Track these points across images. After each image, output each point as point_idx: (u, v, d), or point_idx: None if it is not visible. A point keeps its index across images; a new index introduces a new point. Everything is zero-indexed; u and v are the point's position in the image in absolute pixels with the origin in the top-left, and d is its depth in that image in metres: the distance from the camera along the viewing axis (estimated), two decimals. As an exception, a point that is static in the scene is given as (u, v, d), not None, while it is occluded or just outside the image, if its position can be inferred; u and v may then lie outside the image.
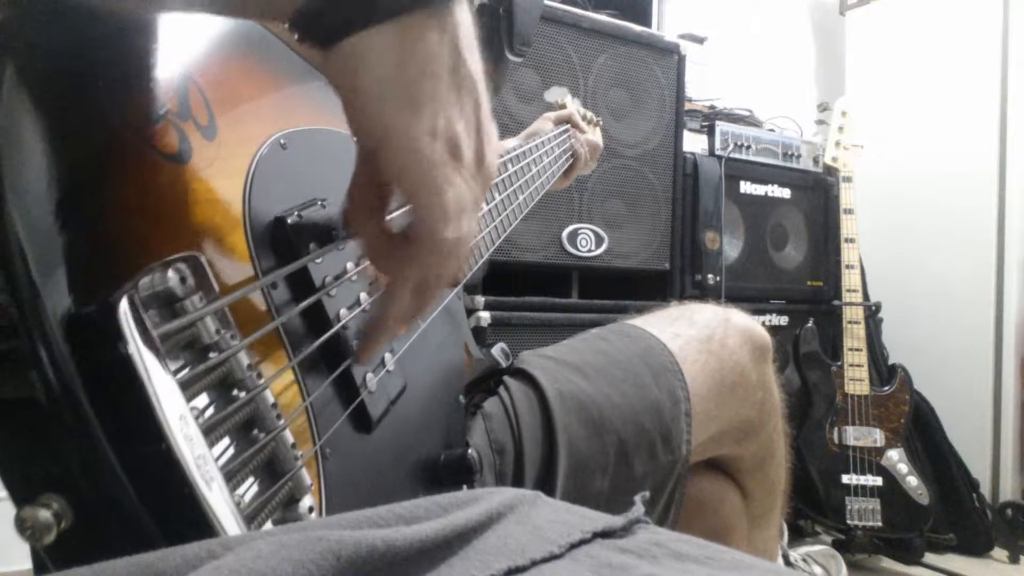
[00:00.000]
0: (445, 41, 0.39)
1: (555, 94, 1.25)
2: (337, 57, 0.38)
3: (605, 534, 0.33)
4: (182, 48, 0.39)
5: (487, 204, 0.76)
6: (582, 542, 0.32)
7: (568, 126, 1.13)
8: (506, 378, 0.72)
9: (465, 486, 0.57)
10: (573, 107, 1.20)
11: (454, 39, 0.40)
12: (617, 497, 0.70)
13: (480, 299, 1.51)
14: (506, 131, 1.51)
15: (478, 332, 1.49)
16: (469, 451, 0.57)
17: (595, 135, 1.21)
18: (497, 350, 0.76)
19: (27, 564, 0.63)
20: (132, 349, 0.29)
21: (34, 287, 0.28)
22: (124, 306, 0.30)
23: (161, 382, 0.30)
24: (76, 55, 0.32)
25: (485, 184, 0.44)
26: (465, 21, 0.40)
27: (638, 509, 0.36)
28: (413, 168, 0.39)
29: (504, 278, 1.56)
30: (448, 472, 0.57)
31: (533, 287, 1.63)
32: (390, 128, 0.39)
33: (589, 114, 1.23)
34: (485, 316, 1.50)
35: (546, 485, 0.66)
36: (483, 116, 0.43)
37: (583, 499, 0.67)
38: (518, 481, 0.65)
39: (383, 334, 0.46)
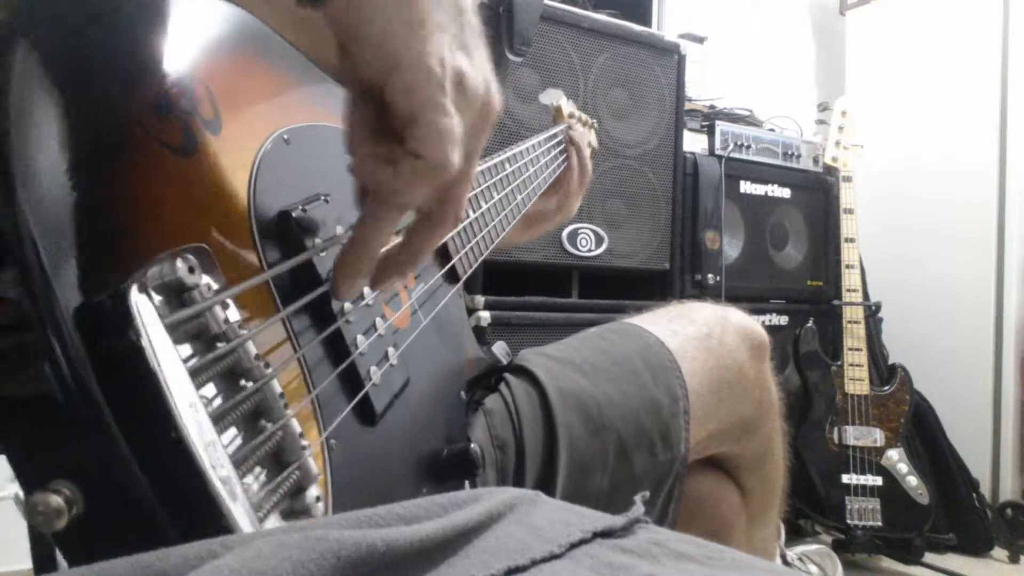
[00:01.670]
0: None
1: (550, 96, 1.25)
2: (339, 7, 0.39)
3: (605, 534, 0.34)
4: (188, 44, 0.40)
5: (485, 203, 0.76)
6: (582, 542, 0.32)
7: (563, 127, 1.12)
8: (507, 375, 0.73)
9: (467, 480, 0.57)
10: (568, 109, 1.20)
11: None
12: (617, 495, 0.71)
13: (480, 299, 1.51)
14: (506, 131, 1.51)
15: (478, 332, 1.49)
16: (472, 445, 0.57)
17: (591, 136, 1.21)
18: (498, 348, 0.76)
19: (27, 564, 0.63)
20: (143, 338, 0.30)
21: (45, 278, 0.29)
22: (135, 294, 0.30)
23: (171, 370, 0.30)
24: (84, 49, 0.33)
25: (490, 112, 0.45)
26: None
27: (638, 509, 0.36)
28: (422, 87, 0.40)
29: (504, 278, 1.56)
30: (451, 466, 0.57)
31: (533, 287, 1.63)
32: (400, 53, 0.40)
33: (584, 116, 1.22)
34: (485, 316, 1.50)
35: (547, 482, 0.66)
36: (482, 45, 0.44)
37: (583, 497, 0.68)
38: (519, 477, 0.66)
39: (362, 255, 0.44)
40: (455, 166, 0.42)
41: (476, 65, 0.43)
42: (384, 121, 0.42)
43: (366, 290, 0.50)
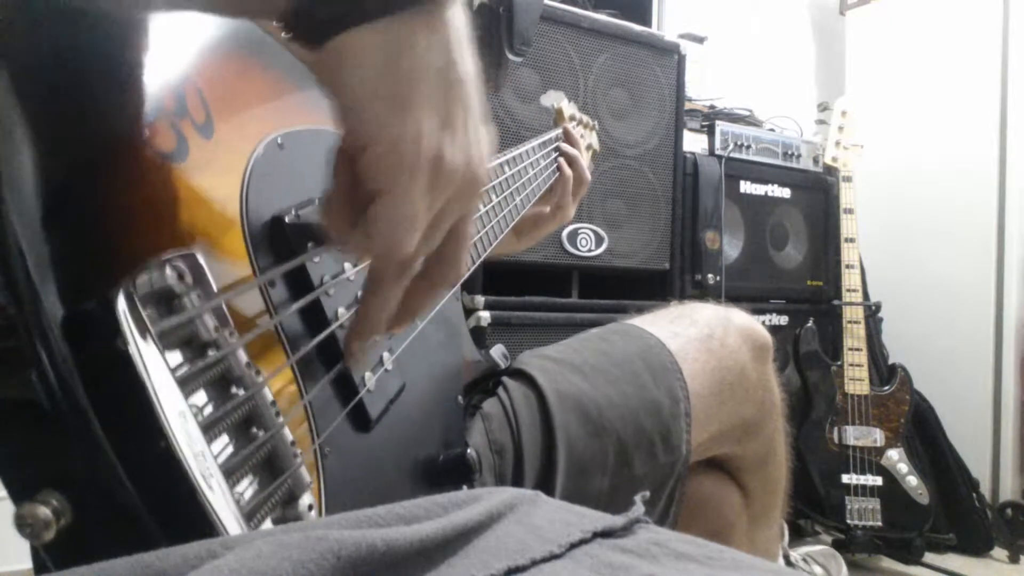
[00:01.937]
0: (435, 42, 0.39)
1: (551, 98, 1.25)
2: (327, 56, 0.38)
3: (605, 534, 0.33)
4: (180, 47, 0.39)
5: (483, 205, 0.76)
6: (582, 542, 0.32)
7: (559, 131, 1.12)
8: (505, 379, 0.72)
9: (464, 486, 0.57)
10: (569, 111, 1.20)
11: (445, 40, 0.39)
12: (617, 497, 0.70)
13: (480, 299, 1.51)
14: (506, 131, 1.51)
15: (478, 332, 1.49)
16: (468, 451, 0.57)
17: (592, 138, 1.20)
18: (496, 351, 0.76)
19: (27, 563, 0.63)
20: (131, 346, 0.29)
21: (32, 286, 0.28)
22: (122, 303, 0.30)
23: (160, 379, 0.30)
24: (73, 54, 0.32)
25: (473, 188, 0.44)
26: (457, 22, 0.40)
27: (638, 509, 0.36)
28: (392, 171, 0.39)
29: (504, 278, 1.56)
30: (447, 472, 0.57)
31: (533, 287, 1.63)
32: (376, 130, 0.38)
33: (585, 118, 1.22)
34: (485, 316, 1.50)
35: (546, 485, 0.66)
36: (472, 120, 0.42)
37: (583, 499, 0.67)
38: (517, 482, 0.65)
39: (362, 332, 0.45)
40: (405, 251, 0.41)
41: (458, 143, 0.42)
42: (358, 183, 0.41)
43: (360, 295, 0.49)
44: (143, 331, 0.30)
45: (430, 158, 0.40)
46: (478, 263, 0.75)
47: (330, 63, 0.38)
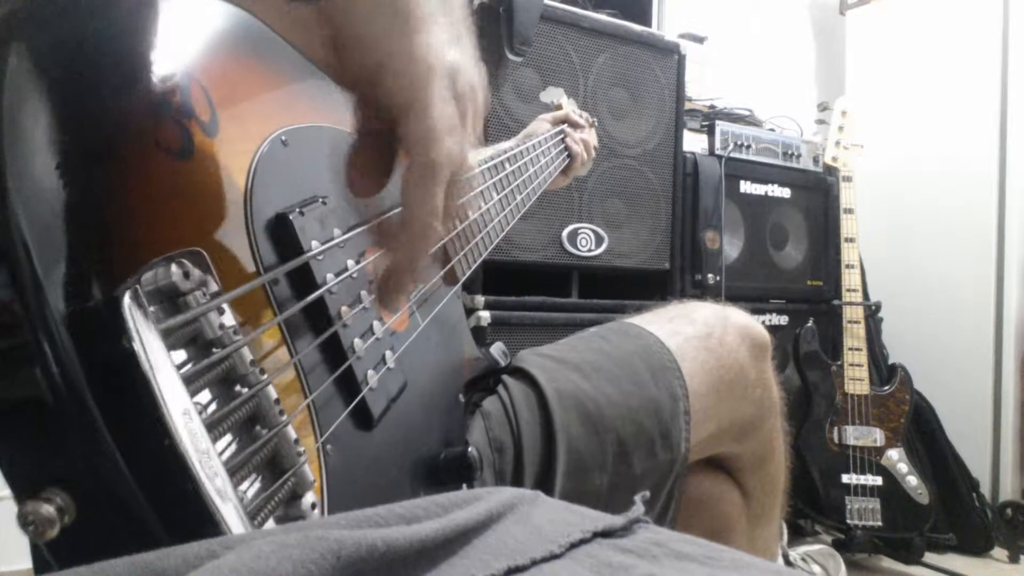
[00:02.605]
0: None
1: (551, 95, 1.25)
2: (332, 5, 0.40)
3: (605, 534, 0.33)
4: (185, 44, 0.39)
5: (485, 202, 0.76)
6: (582, 542, 0.32)
7: (564, 126, 1.13)
8: (505, 377, 0.72)
9: (465, 484, 0.57)
10: (569, 107, 1.20)
11: None
12: (616, 495, 0.70)
13: (480, 299, 1.51)
14: (506, 130, 1.51)
15: (478, 332, 1.49)
16: (469, 449, 0.57)
17: (591, 135, 1.21)
18: (496, 349, 0.76)
19: (27, 563, 0.63)
20: (136, 344, 0.29)
21: (38, 282, 0.28)
22: (128, 300, 0.29)
23: (165, 377, 0.30)
24: (79, 50, 0.32)
25: (481, 105, 0.46)
26: None
27: (638, 509, 0.36)
28: (416, 80, 0.41)
29: (504, 278, 1.56)
30: (448, 470, 0.57)
31: (533, 287, 1.63)
32: (391, 48, 0.40)
33: (585, 114, 1.23)
34: (485, 316, 1.50)
35: (545, 484, 0.66)
36: (468, 40, 0.45)
37: (582, 498, 0.67)
38: (517, 480, 0.66)
39: (403, 269, 0.46)
40: (454, 159, 0.43)
41: (467, 55, 0.44)
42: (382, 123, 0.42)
43: (363, 293, 0.50)
44: (148, 329, 0.30)
45: (446, 64, 0.42)
46: (478, 263, 0.75)
47: (336, 9, 0.40)
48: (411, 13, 0.41)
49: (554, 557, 0.30)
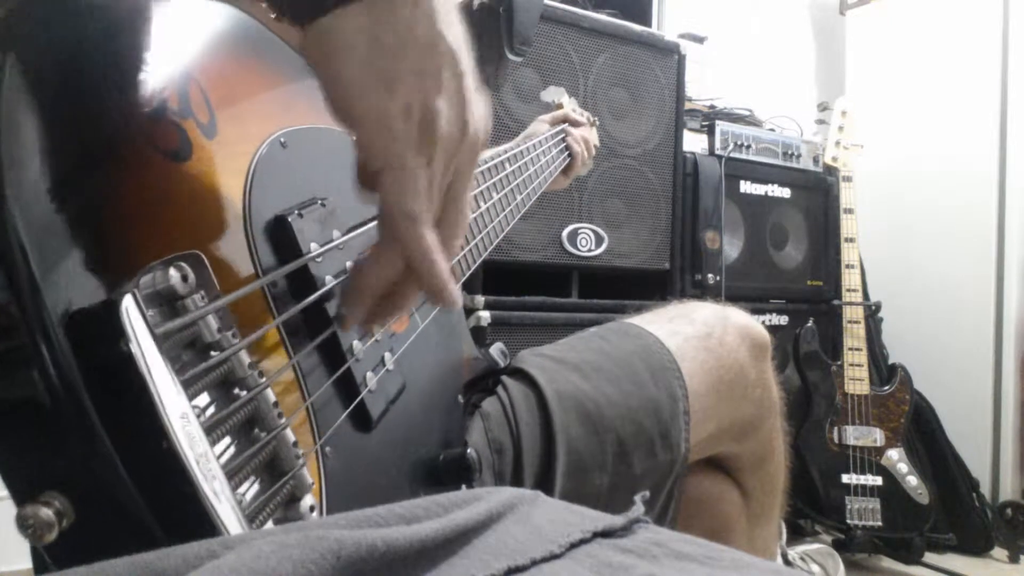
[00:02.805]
0: (419, 16, 0.39)
1: (551, 94, 1.25)
2: (314, 37, 0.38)
3: (605, 534, 0.33)
4: (182, 46, 0.39)
5: (484, 202, 0.76)
6: (582, 542, 0.32)
7: (564, 125, 1.13)
8: (504, 378, 0.72)
9: (464, 485, 0.57)
10: (569, 107, 1.20)
11: (429, 13, 0.40)
12: (616, 496, 0.70)
13: (480, 299, 1.51)
14: (506, 131, 1.51)
15: (478, 332, 1.49)
16: (468, 450, 0.57)
17: (591, 135, 1.21)
18: (495, 350, 0.76)
19: (27, 564, 0.63)
20: (134, 347, 0.29)
21: (35, 285, 0.28)
22: (126, 304, 0.29)
23: (163, 380, 0.30)
24: (77, 52, 0.32)
25: (473, 154, 0.45)
26: None
27: (638, 509, 0.36)
28: (385, 146, 0.40)
29: (504, 278, 1.56)
30: (447, 471, 0.57)
31: (533, 287, 1.63)
32: (365, 109, 0.39)
33: (586, 114, 1.23)
34: (485, 316, 1.50)
35: (545, 484, 0.66)
36: (466, 87, 0.43)
37: (582, 498, 0.67)
38: (517, 480, 0.65)
39: (358, 297, 0.46)
40: (416, 216, 0.42)
41: (453, 110, 0.42)
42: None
43: None
44: (146, 332, 0.30)
45: (422, 130, 0.40)
46: (478, 263, 0.75)
47: (317, 45, 0.39)
48: (395, 77, 0.39)
49: (554, 557, 0.30)
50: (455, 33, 0.42)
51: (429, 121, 0.41)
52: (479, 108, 0.44)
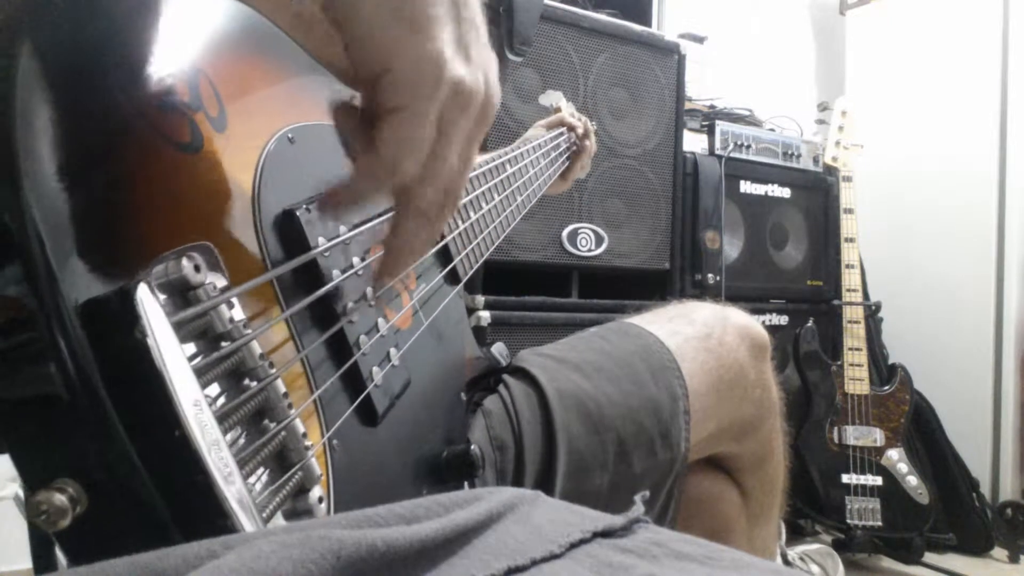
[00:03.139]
0: None
1: (550, 98, 1.26)
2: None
3: (605, 534, 0.34)
4: (193, 40, 0.39)
5: (486, 204, 0.76)
6: (582, 542, 0.32)
7: (563, 129, 1.13)
8: (505, 376, 0.73)
9: (467, 482, 0.57)
10: (567, 111, 1.20)
11: None
12: (616, 495, 0.71)
13: (480, 299, 1.51)
14: (506, 131, 1.51)
15: (478, 332, 1.49)
16: (472, 447, 0.57)
17: (589, 139, 1.21)
18: (497, 349, 0.76)
19: (27, 563, 0.63)
20: (149, 336, 0.29)
21: (52, 275, 0.28)
22: (141, 292, 0.30)
23: (177, 369, 0.30)
24: (89, 44, 0.32)
25: (489, 109, 0.45)
26: None
27: (638, 508, 0.36)
28: (413, 91, 0.40)
29: (504, 278, 1.56)
30: (451, 468, 0.57)
31: (533, 287, 1.63)
32: (394, 55, 0.39)
33: (583, 118, 1.23)
34: (485, 315, 1.50)
35: (546, 482, 0.66)
36: (482, 40, 0.43)
37: (582, 497, 0.68)
38: (518, 478, 0.66)
39: (387, 270, 0.47)
40: (405, 174, 0.42)
41: (474, 62, 0.43)
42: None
43: (369, 290, 0.50)
44: (161, 321, 0.30)
45: (449, 78, 0.41)
46: (480, 262, 0.75)
47: (342, 3, 0.39)
48: (419, 19, 0.39)
49: (554, 557, 0.30)
50: None
51: (456, 71, 0.41)
52: (494, 64, 0.45)
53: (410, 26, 0.39)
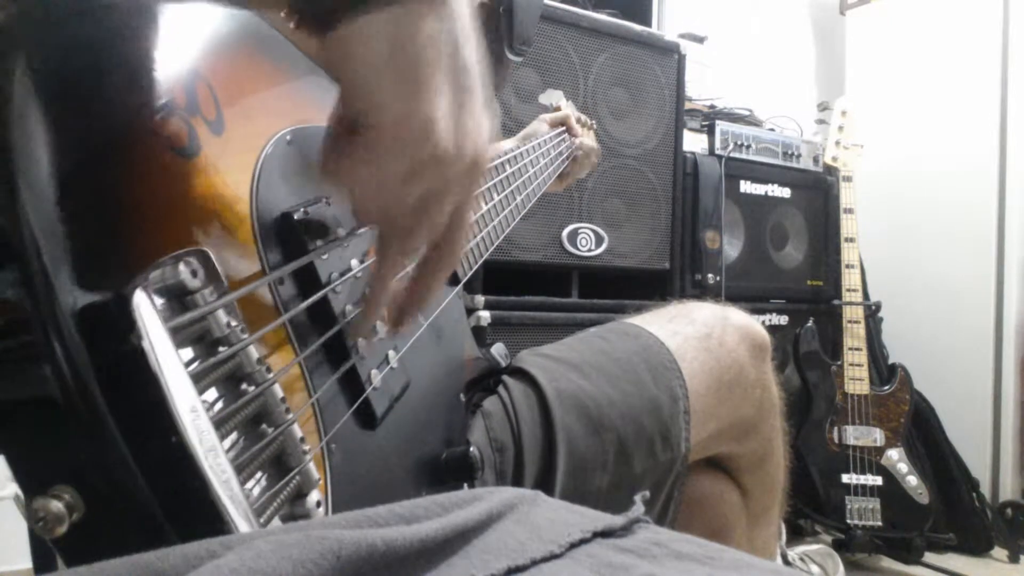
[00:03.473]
0: (441, 30, 0.39)
1: (550, 97, 1.26)
2: (335, 43, 0.38)
3: (605, 534, 0.34)
4: (189, 43, 0.39)
5: (485, 203, 0.76)
6: (582, 541, 0.32)
7: (563, 128, 1.13)
8: (505, 377, 0.72)
9: (466, 483, 0.57)
10: (568, 110, 1.20)
11: (450, 28, 0.40)
12: (616, 495, 0.71)
13: (480, 299, 1.51)
14: (506, 131, 1.51)
15: (478, 332, 1.49)
16: (471, 449, 0.57)
17: (589, 138, 1.21)
18: (496, 349, 0.76)
19: (27, 564, 0.63)
20: (145, 341, 0.29)
21: (48, 280, 0.28)
22: (138, 298, 0.30)
23: (173, 374, 0.30)
24: (85, 50, 0.32)
25: (474, 174, 0.44)
26: (463, 10, 0.41)
27: (638, 508, 0.36)
28: (391, 147, 0.40)
29: (504, 278, 1.56)
30: (450, 469, 0.57)
31: (533, 287, 1.63)
32: (385, 108, 0.39)
33: (583, 117, 1.23)
34: (485, 316, 1.50)
35: (546, 483, 0.66)
36: (475, 106, 0.43)
37: (582, 497, 0.68)
38: (518, 479, 0.66)
39: (366, 315, 0.47)
40: (369, 216, 0.43)
41: (461, 129, 0.42)
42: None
43: (366, 290, 0.50)
44: (157, 326, 0.30)
45: (432, 141, 0.40)
46: (480, 262, 0.75)
47: (338, 50, 0.38)
48: (420, 83, 0.39)
49: (554, 557, 0.30)
50: (473, 53, 0.42)
51: (440, 135, 0.40)
52: (485, 130, 0.44)
53: (403, 87, 0.39)
